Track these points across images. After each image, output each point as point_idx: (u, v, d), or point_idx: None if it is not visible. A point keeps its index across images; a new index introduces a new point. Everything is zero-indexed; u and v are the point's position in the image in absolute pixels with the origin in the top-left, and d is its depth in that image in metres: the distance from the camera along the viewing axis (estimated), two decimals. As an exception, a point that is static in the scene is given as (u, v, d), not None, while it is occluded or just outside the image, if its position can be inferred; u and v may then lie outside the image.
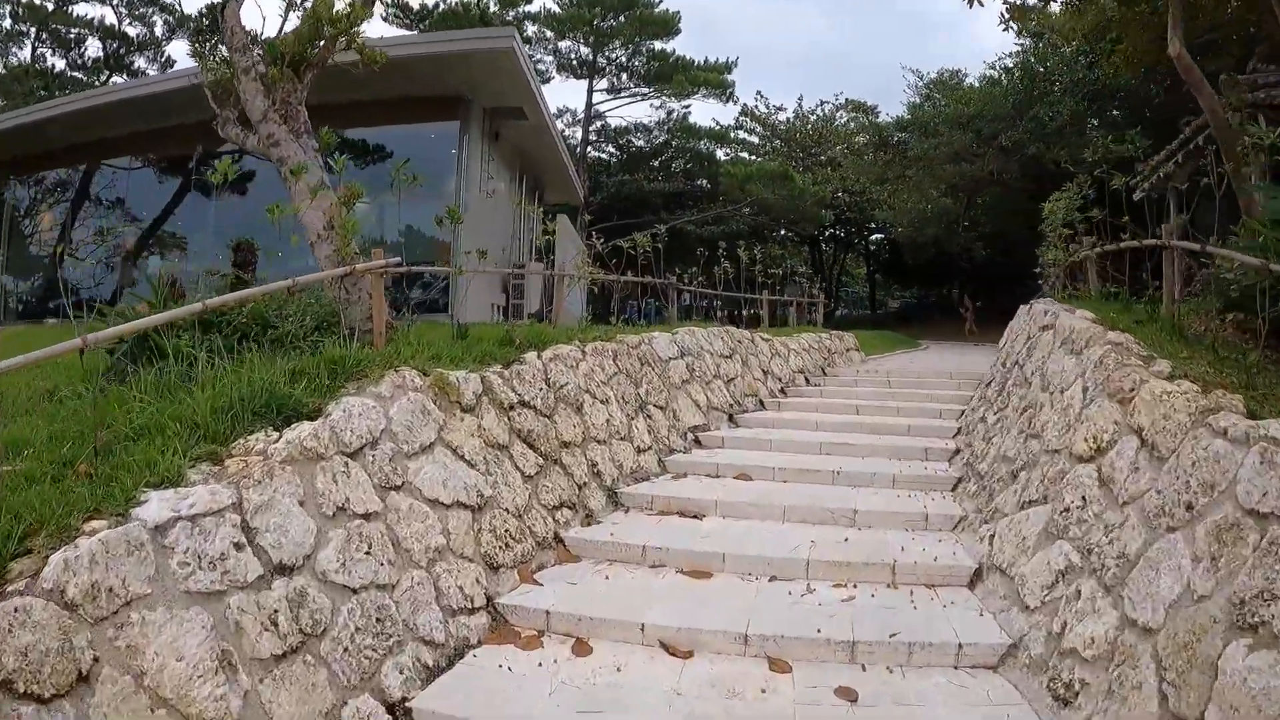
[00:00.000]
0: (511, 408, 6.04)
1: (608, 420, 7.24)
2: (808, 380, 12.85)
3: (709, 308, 17.18)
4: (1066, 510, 4.59)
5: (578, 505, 6.27)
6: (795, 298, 20.42)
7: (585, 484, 6.50)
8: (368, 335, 6.11)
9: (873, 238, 54.29)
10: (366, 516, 4.33)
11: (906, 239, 39.61)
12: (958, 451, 8.09)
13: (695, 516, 6.43)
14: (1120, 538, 3.98)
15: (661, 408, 8.43)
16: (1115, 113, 22.82)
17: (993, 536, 5.35)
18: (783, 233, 48.32)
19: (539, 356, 6.82)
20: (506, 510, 5.42)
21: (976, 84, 28.69)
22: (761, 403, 10.83)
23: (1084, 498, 4.51)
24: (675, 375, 9.11)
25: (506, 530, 5.31)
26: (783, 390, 11.79)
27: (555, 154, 22.71)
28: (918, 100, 30.18)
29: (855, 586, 5.13)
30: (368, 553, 4.20)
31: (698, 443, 8.68)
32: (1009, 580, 4.80)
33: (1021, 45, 26.84)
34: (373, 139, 17.83)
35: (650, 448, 7.77)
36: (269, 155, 7.26)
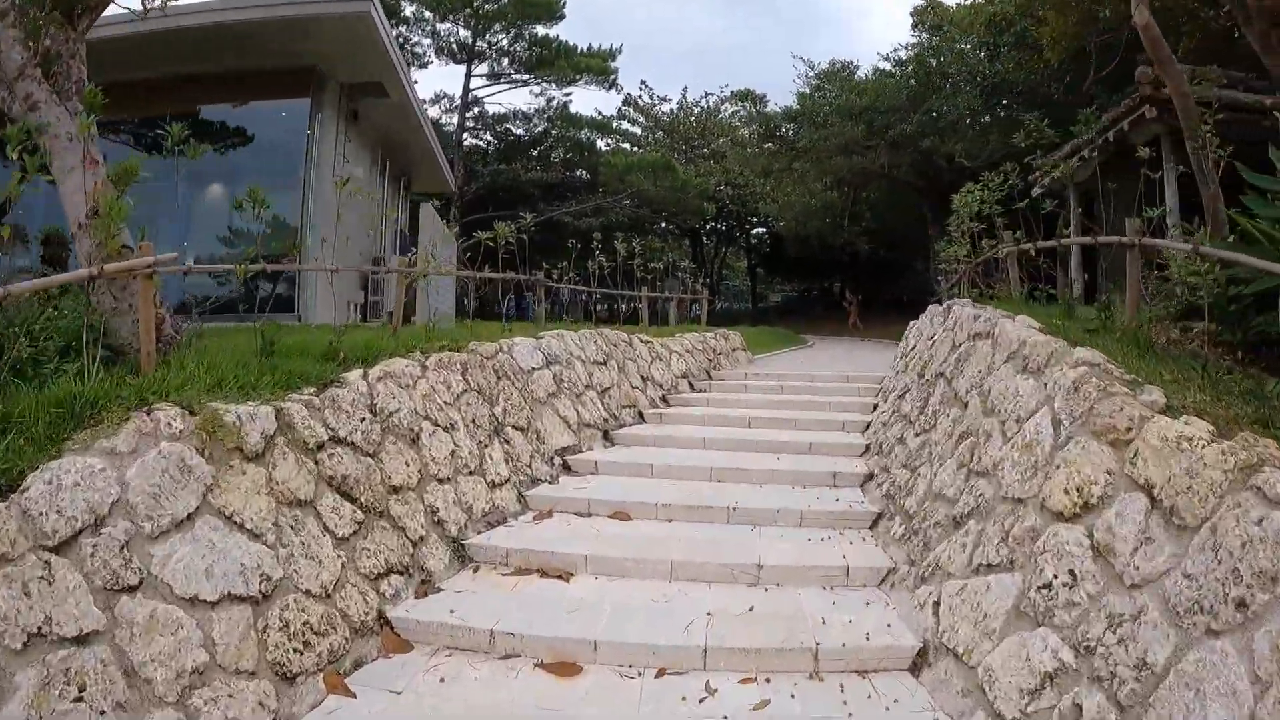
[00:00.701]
0: (320, 448, 4.67)
1: (453, 452, 5.92)
2: (692, 386, 11.74)
3: (587, 305, 15.95)
4: (1047, 586, 3.56)
5: (412, 568, 4.95)
6: (677, 294, 19.27)
7: (423, 538, 5.18)
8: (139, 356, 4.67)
9: (755, 231, 53.96)
10: (81, 640, 3.03)
11: (790, 233, 39.16)
12: (871, 476, 7.07)
13: (561, 576, 5.18)
14: (1136, 637, 2.98)
15: (523, 429, 7.15)
16: (1006, 109, 22.25)
17: (937, 604, 4.29)
18: (663, 225, 47.41)
19: (365, 376, 5.46)
20: (307, 593, 4.08)
21: (868, 76, 27.97)
22: (641, 415, 9.66)
23: (1073, 572, 3.49)
24: (540, 388, 7.84)
25: (306, 622, 3.97)
26: (665, 399, 10.65)
27: (422, 138, 20.90)
28: (807, 91, 29.24)
29: (769, 680, 4.00)
30: (79, 698, 2.90)
31: (567, 468, 7.44)
32: (968, 671, 3.74)
33: (918, 38, 26.30)
34: (225, 119, 15.78)
35: (508, 480, 6.49)
36: (28, 122, 5.65)
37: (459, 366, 6.63)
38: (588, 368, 9.03)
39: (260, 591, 3.82)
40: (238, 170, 14.70)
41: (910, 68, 25.29)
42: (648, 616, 4.52)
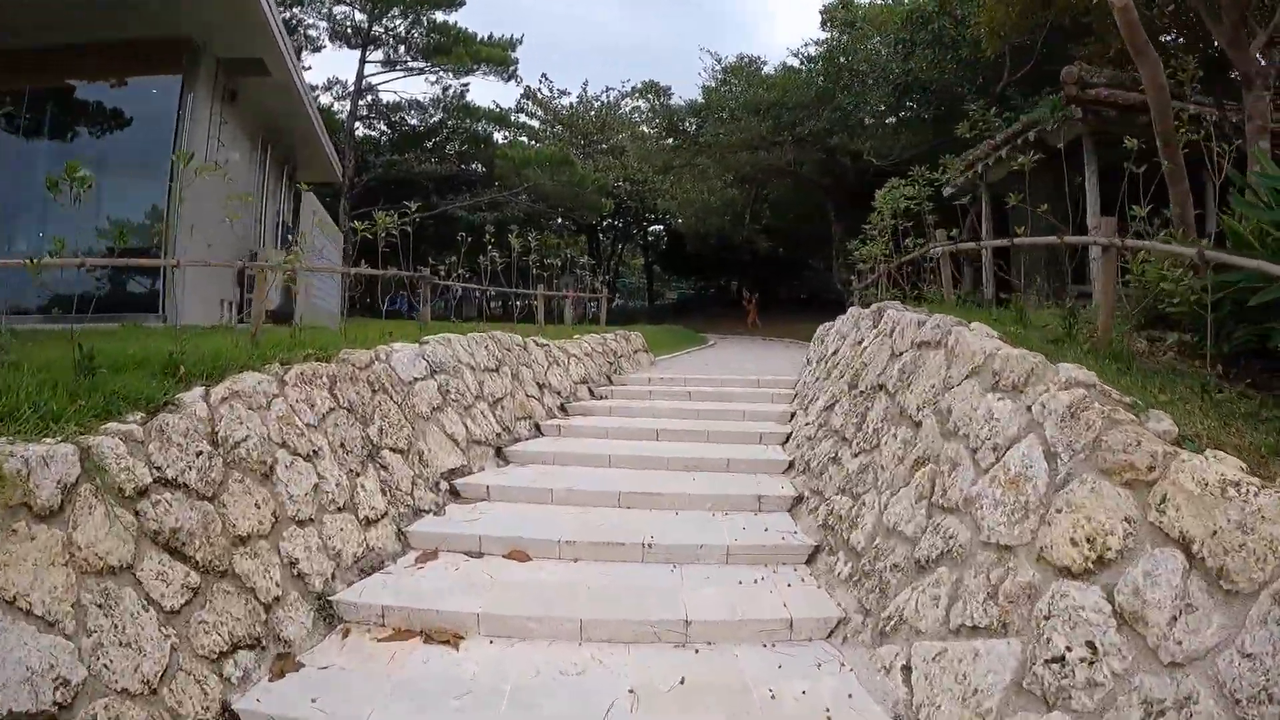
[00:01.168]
0: (142, 494, 3.64)
1: (316, 486, 4.92)
2: (593, 392, 10.91)
3: (481, 303, 14.94)
4: (1059, 660, 2.88)
5: (265, 639, 3.98)
6: (575, 292, 18.32)
7: (278, 599, 4.19)
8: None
9: (652, 229, 53.38)
10: None
11: (689, 230, 38.61)
12: (801, 500, 6.33)
13: (449, 641, 4.24)
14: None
15: (402, 451, 6.17)
16: (916, 109, 21.83)
17: (908, 670, 3.59)
18: (560, 221, 46.39)
19: (206, 396, 4.41)
20: (123, 692, 3.11)
21: (776, 72, 27.15)
22: (538, 427, 8.78)
23: (1092, 644, 2.81)
24: (423, 402, 6.86)
25: (113, 732, 2.97)
26: (563, 408, 9.78)
27: (308, 123, 19.34)
28: (713, 85, 28.29)
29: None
30: None
31: (455, 494, 6.50)
32: (959, 769, 2.97)
33: (828, 36, 25.75)
34: (98, 97, 14.05)
35: (385, 515, 5.51)
36: None
37: (326, 380, 5.60)
38: (478, 376, 8.10)
39: (56, 702, 2.81)
40: (109, 154, 13.27)
41: (820, 64, 24.63)
42: (557, 700, 3.63)
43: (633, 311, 54.17)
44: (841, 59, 23.35)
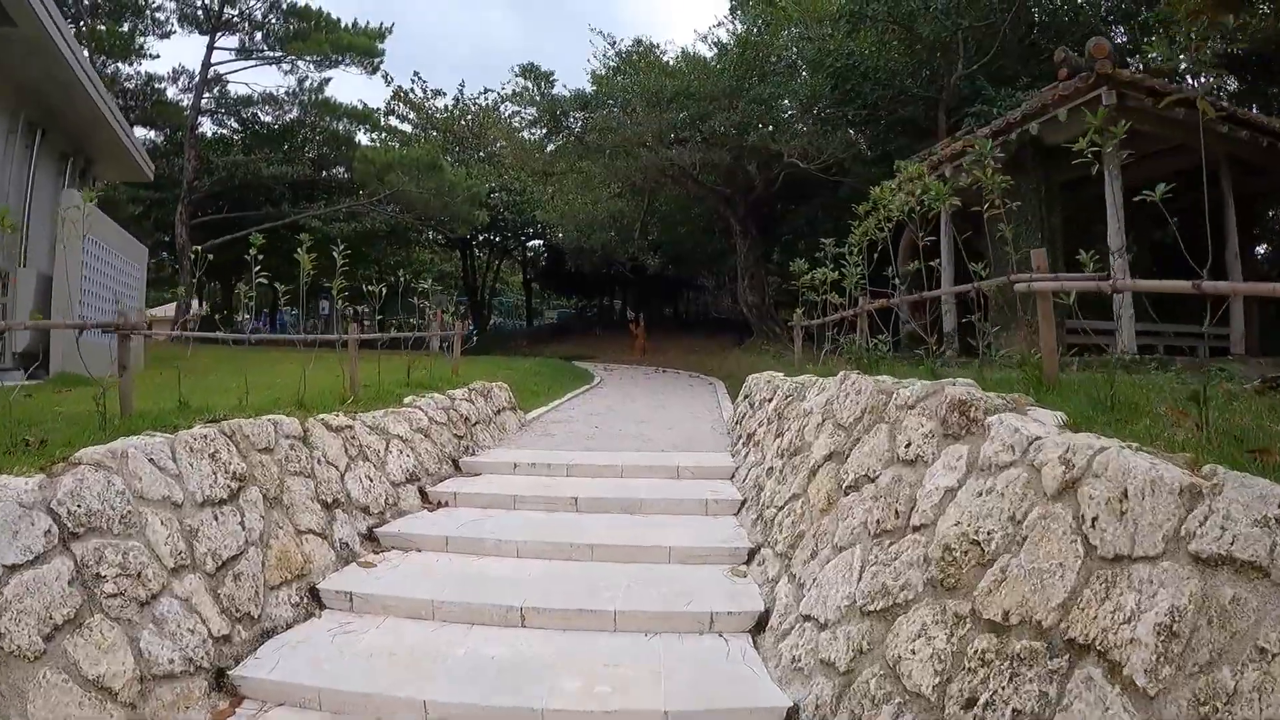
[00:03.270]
0: None
1: None
2: (425, 495, 7.12)
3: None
4: None
5: None
6: (416, 332, 12.21)
7: None
8: None
9: (531, 244, 49.44)
10: None
11: (572, 245, 34.54)
12: None
13: None
14: None
15: None
16: (855, 100, 18.19)
17: None
18: (430, 235, 41.98)
19: None
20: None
21: (677, 61, 22.79)
22: (315, 597, 4.98)
23: None
24: (31, 620, 3.00)
25: None
26: (372, 536, 6.01)
27: (86, 100, 14.58)
28: (604, 73, 23.72)
29: None
30: None
31: None
32: None
33: (736, 19, 21.95)
34: None
35: None
36: None
37: None
38: (185, 525, 4.22)
39: None
40: None
41: (735, 49, 20.79)
42: None
43: (510, 333, 50.41)
44: (761, 40, 19.62)
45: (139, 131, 36.71)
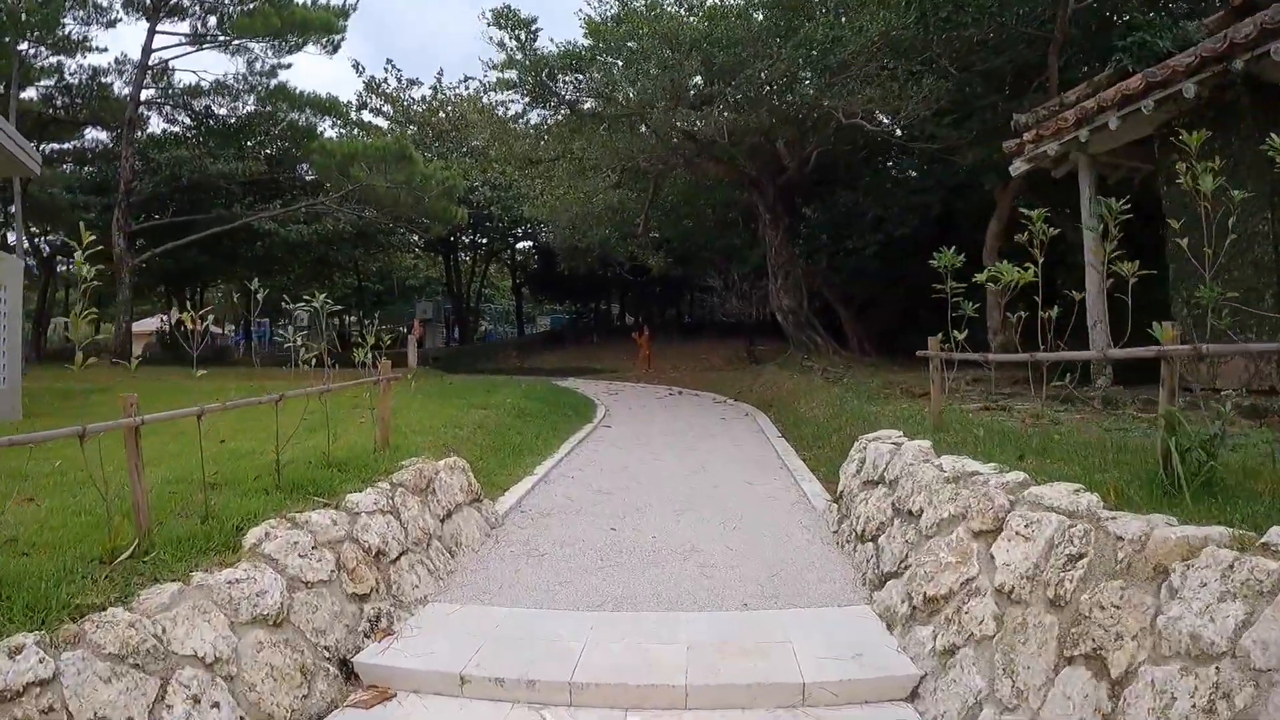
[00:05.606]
0: None
1: None
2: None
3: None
4: None
5: None
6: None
7: None
8: None
9: (521, 245, 45.15)
10: None
11: (564, 244, 30.07)
12: None
13: None
14: None
15: None
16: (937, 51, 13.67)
17: None
18: (403, 235, 37.44)
19: None
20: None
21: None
22: None
23: None
24: None
25: None
26: None
27: None
28: (601, 20, 17.53)
29: None
30: None
31: None
32: None
33: None
34: None
35: None
36: None
37: None
38: None
39: None
40: None
41: None
42: None
43: (500, 343, 46.54)
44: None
45: (88, 133, 33.12)
